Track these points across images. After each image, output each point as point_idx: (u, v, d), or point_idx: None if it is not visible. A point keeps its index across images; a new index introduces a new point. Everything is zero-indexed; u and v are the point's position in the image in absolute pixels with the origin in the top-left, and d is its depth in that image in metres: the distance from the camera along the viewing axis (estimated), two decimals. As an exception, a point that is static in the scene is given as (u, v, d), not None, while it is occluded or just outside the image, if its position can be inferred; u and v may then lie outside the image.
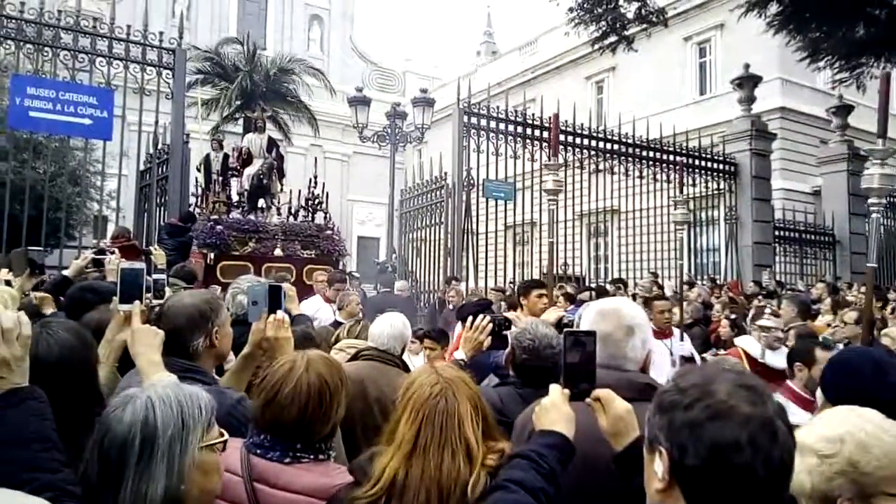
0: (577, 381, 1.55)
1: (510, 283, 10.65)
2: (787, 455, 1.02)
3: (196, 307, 2.13)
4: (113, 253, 4.41)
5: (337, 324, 4.76)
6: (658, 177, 11.89)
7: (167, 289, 3.03)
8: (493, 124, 10.00)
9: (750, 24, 12.11)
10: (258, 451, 1.74)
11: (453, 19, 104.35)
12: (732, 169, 13.00)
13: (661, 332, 5.30)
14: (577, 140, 10.91)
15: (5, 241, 7.21)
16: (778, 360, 4.45)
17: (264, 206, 9.84)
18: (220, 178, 9.84)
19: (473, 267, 9.90)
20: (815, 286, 10.50)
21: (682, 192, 6.64)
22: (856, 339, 4.77)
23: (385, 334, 3.06)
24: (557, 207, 5.09)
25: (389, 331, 3.07)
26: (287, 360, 1.83)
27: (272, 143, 10.34)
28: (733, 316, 6.75)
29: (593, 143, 11.18)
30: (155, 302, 2.34)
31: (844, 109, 14.75)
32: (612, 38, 11.82)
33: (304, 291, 7.59)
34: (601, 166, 11.23)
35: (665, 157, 12.00)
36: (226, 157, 10.15)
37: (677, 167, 11.88)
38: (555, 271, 10.48)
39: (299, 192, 10.22)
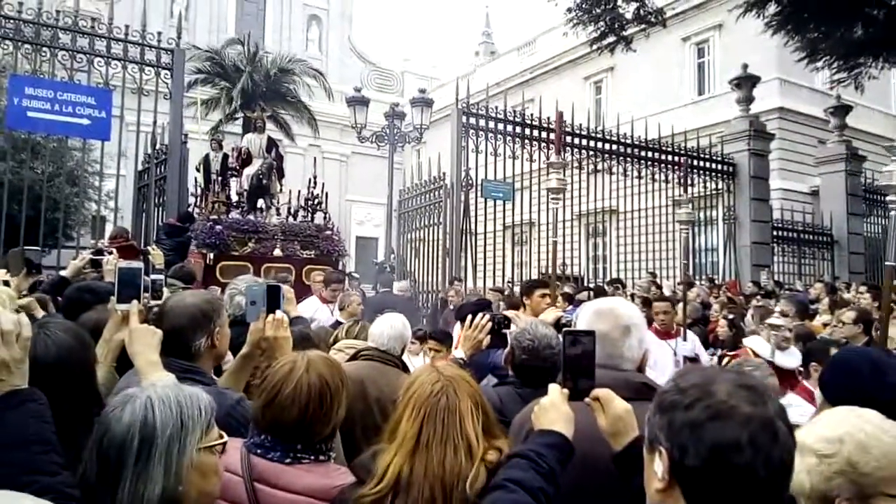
0: (576, 380, 1.56)
1: (508, 283, 10.65)
2: (788, 455, 1.02)
3: (198, 307, 2.12)
4: (111, 253, 4.40)
5: (337, 324, 4.76)
6: (656, 177, 11.90)
7: (165, 289, 3.03)
8: (491, 124, 10.00)
9: (748, 25, 12.12)
10: (258, 452, 1.74)
11: (452, 20, 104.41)
12: (731, 169, 13.01)
13: (665, 333, 5.29)
14: (576, 140, 10.92)
15: (3, 242, 7.20)
16: (787, 360, 4.43)
17: (264, 206, 9.82)
18: (220, 179, 9.82)
19: (472, 267, 9.90)
20: (813, 286, 10.51)
21: (686, 191, 6.61)
22: (854, 339, 4.77)
23: (385, 335, 3.06)
24: (570, 205, 5.08)
25: (389, 331, 3.07)
26: (287, 361, 1.83)
27: (272, 144, 10.32)
28: (731, 316, 6.76)
29: (592, 143, 11.18)
30: (153, 303, 2.34)
31: (842, 110, 14.78)
32: (611, 39, 11.82)
33: (304, 292, 7.57)
34: (600, 166, 11.24)
35: (663, 157, 12.01)
36: (225, 157, 10.13)
37: (680, 166, 11.92)
38: (557, 271, 10.51)
39: (298, 192, 10.20)
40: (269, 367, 2.18)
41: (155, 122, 8.76)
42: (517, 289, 9.51)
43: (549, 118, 10.54)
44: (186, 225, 8.26)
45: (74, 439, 1.52)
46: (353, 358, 3.06)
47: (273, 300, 2.27)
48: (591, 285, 10.37)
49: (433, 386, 1.57)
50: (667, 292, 9.53)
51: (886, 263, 3.80)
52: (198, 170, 10.09)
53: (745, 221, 12.95)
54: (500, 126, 10.11)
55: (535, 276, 11.28)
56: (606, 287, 9.23)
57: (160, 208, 9.10)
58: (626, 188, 11.58)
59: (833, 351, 3.51)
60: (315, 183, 10.18)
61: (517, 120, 10.32)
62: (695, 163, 12.29)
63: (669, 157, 12.07)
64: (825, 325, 6.36)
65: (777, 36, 11.40)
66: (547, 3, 11.62)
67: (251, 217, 9.48)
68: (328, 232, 9.93)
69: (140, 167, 9.57)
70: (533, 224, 10.85)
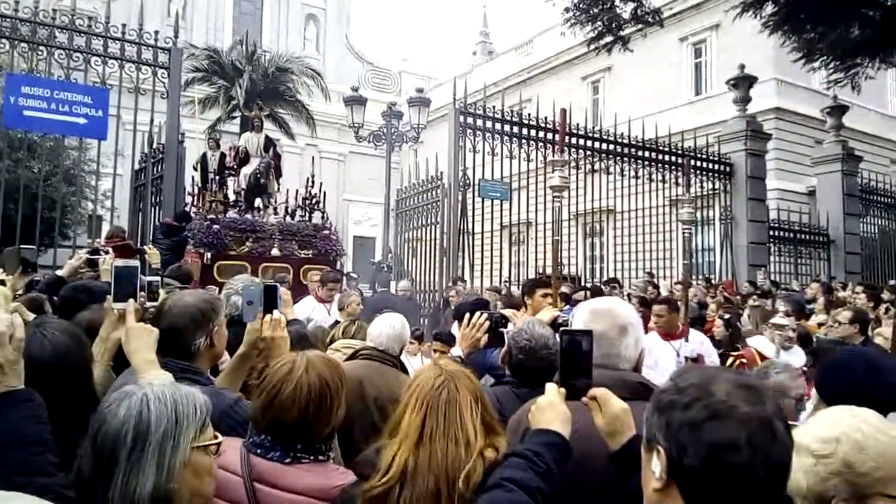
0: (573, 379, 1.56)
1: (505, 282, 10.65)
2: (786, 455, 1.02)
3: (197, 307, 2.12)
4: (107, 253, 4.39)
5: (336, 324, 4.74)
6: (654, 177, 11.92)
7: (161, 290, 3.02)
8: (489, 124, 10.00)
9: (745, 25, 12.15)
10: (258, 452, 1.74)
11: (449, 19, 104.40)
12: (727, 169, 13.03)
13: (668, 334, 5.29)
14: (573, 140, 10.92)
15: (-1, 241, 7.19)
16: (791, 359, 4.41)
17: (261, 205, 9.81)
18: (217, 178, 9.80)
19: (469, 267, 9.90)
20: (809, 286, 10.53)
21: (688, 190, 6.58)
22: (850, 339, 4.78)
23: (384, 334, 3.06)
24: (567, 204, 5.07)
25: (389, 331, 3.07)
26: (287, 361, 1.83)
27: (269, 143, 10.31)
28: (727, 316, 6.76)
29: (589, 143, 11.19)
30: (149, 304, 2.33)
31: (839, 110, 14.82)
32: (608, 39, 11.83)
33: (302, 291, 7.57)
34: (597, 166, 11.25)
35: (661, 157, 12.02)
36: (223, 156, 10.13)
37: (679, 167, 11.94)
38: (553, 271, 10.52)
39: (296, 191, 10.20)
40: (267, 368, 2.19)
41: (152, 122, 8.74)
42: (514, 289, 9.52)
43: (546, 118, 10.56)
44: (183, 224, 8.24)
45: (71, 439, 1.52)
46: (352, 357, 3.06)
47: (270, 300, 2.27)
48: (588, 285, 10.37)
49: (435, 380, 1.59)
50: (664, 292, 9.54)
51: None
52: (195, 169, 10.08)
53: (741, 221, 12.97)
54: (498, 126, 10.11)
55: (532, 276, 11.29)
56: (603, 287, 9.24)
57: (157, 208, 9.08)
58: (623, 188, 11.60)
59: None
60: (313, 182, 10.17)
61: (514, 120, 10.33)
62: (692, 163, 12.31)
63: (666, 158, 12.08)
64: (820, 324, 6.36)
65: (774, 36, 11.42)
66: (544, 3, 11.63)
67: (249, 216, 9.47)
68: (326, 231, 9.92)
69: (137, 166, 9.55)
70: (530, 224, 10.85)
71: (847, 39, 10.69)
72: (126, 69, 8.31)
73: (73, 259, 4.24)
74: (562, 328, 1.79)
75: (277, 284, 2.39)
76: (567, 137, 10.80)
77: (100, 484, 1.24)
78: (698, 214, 12.82)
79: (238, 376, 2.32)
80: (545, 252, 10.70)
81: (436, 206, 10.34)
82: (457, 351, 2.82)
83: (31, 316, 3.08)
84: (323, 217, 10.16)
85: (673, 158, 12.15)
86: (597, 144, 11.28)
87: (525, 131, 10.39)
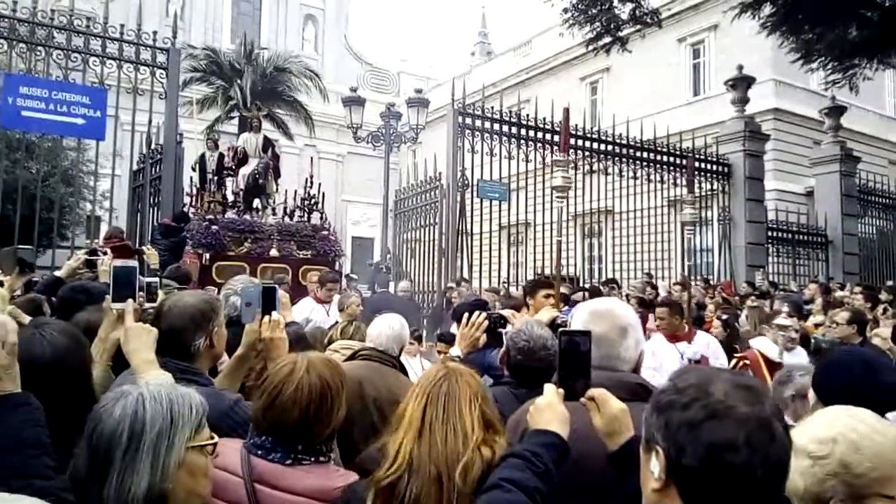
0: (571, 380, 1.56)
1: (504, 283, 10.66)
2: (785, 455, 1.02)
3: (197, 307, 2.12)
4: (105, 253, 4.39)
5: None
6: (652, 178, 11.93)
7: (160, 291, 3.01)
8: (487, 125, 10.01)
9: (743, 26, 12.17)
10: (259, 453, 1.74)
11: (448, 20, 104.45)
12: (726, 170, 13.05)
13: (675, 336, 5.28)
14: (572, 141, 10.92)
15: (-3, 241, 7.18)
16: (795, 360, 4.37)
17: (260, 206, 9.80)
18: (216, 178, 9.80)
19: (468, 267, 9.90)
20: (807, 287, 10.54)
21: (691, 191, 6.56)
22: (848, 340, 4.78)
23: (383, 335, 3.05)
24: (567, 205, 5.05)
25: (388, 331, 3.07)
26: (287, 362, 1.83)
27: (268, 143, 10.31)
28: (725, 317, 6.76)
29: (588, 143, 11.20)
30: (147, 305, 2.33)
31: (837, 111, 14.84)
32: (607, 39, 11.84)
33: (301, 292, 7.56)
34: (595, 167, 11.26)
35: (659, 157, 12.04)
36: (221, 156, 10.12)
37: (679, 167, 11.95)
38: (552, 271, 10.52)
39: (295, 192, 10.19)
40: (266, 369, 2.19)
41: (150, 122, 8.74)
42: (513, 289, 9.52)
43: (545, 119, 10.56)
44: (181, 225, 8.24)
45: (70, 440, 1.52)
46: (351, 358, 3.06)
47: (269, 301, 2.26)
48: (587, 286, 10.38)
49: (437, 374, 1.65)
50: (662, 293, 9.54)
51: None
52: (193, 169, 10.08)
53: (740, 222, 12.99)
54: (497, 126, 10.11)
55: (530, 277, 11.29)
56: (602, 287, 9.25)
57: (155, 208, 9.08)
58: (621, 189, 11.61)
59: None
60: (311, 183, 10.17)
61: (513, 120, 10.33)
62: (683, 163, 12.32)
63: (665, 158, 12.10)
64: (817, 325, 6.36)
65: (772, 37, 11.45)
66: (543, 4, 11.63)
67: (247, 217, 9.47)
68: (325, 232, 9.92)
69: (135, 167, 9.54)
70: (529, 224, 10.86)
71: (845, 40, 10.71)
72: (124, 69, 8.30)
73: (71, 260, 4.23)
74: (560, 329, 1.79)
75: (276, 286, 2.39)
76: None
77: (95, 483, 1.25)
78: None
79: (236, 377, 2.31)
80: (544, 252, 10.71)
81: (434, 207, 10.34)
82: (455, 351, 2.81)
83: (26, 318, 3.08)
84: (321, 218, 10.16)
85: (671, 159, 12.16)
86: (595, 145, 11.28)
87: (524, 132, 10.39)
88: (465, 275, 9.77)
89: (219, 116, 19.86)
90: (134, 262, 2.32)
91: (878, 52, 10.94)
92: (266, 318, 2.23)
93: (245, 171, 9.79)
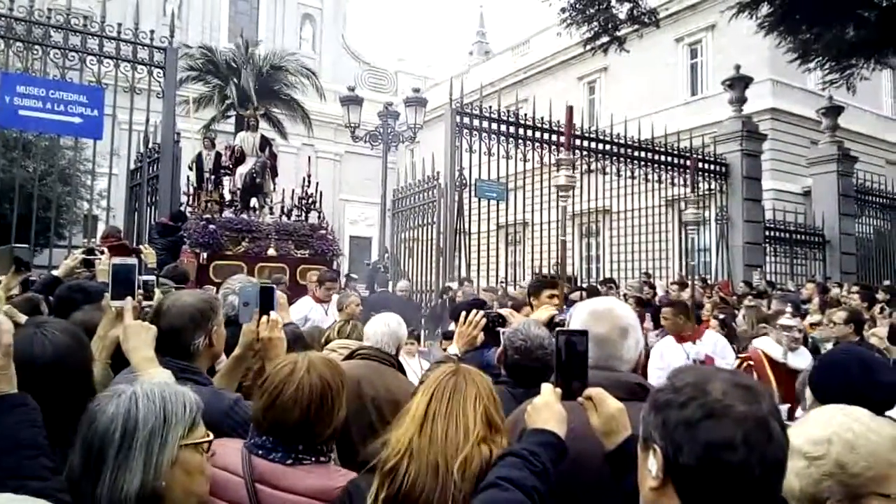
0: (569, 380, 1.56)
1: (501, 283, 10.66)
2: (782, 454, 1.02)
3: (196, 307, 2.12)
4: (103, 253, 4.38)
5: (336, 324, 4.73)
6: (650, 177, 11.94)
7: (156, 289, 3.00)
8: (485, 124, 10.01)
9: (741, 26, 12.18)
10: (260, 453, 1.74)
11: (446, 19, 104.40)
12: (723, 169, 13.06)
13: (681, 337, 5.29)
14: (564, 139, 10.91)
15: (-6, 241, 7.16)
16: (799, 361, 4.35)
17: (257, 205, 9.78)
18: (213, 177, 9.78)
19: (465, 267, 9.90)
20: (805, 286, 10.56)
21: (693, 190, 6.54)
22: (844, 339, 4.77)
23: (380, 333, 3.05)
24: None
25: (384, 329, 3.07)
26: (288, 362, 1.83)
27: (265, 142, 10.28)
28: (721, 316, 6.76)
29: (585, 143, 11.20)
30: (144, 303, 2.32)
31: (834, 111, 14.86)
32: (604, 39, 11.85)
33: (299, 291, 7.55)
34: (593, 166, 11.26)
35: (657, 157, 12.05)
36: (218, 155, 10.09)
37: (676, 167, 11.96)
38: (550, 271, 10.53)
39: (292, 191, 10.17)
40: (263, 369, 2.18)
41: (147, 121, 8.72)
42: (511, 289, 9.53)
43: (542, 118, 10.57)
44: (179, 224, 8.22)
45: (70, 440, 1.52)
46: (349, 357, 3.05)
47: (267, 301, 2.26)
48: (584, 285, 10.39)
49: (446, 370, 1.68)
50: (660, 292, 9.56)
51: None
52: (190, 168, 10.06)
53: (737, 222, 13.01)
54: (494, 126, 10.12)
55: (528, 276, 11.30)
56: (599, 287, 9.26)
57: (152, 207, 9.07)
58: (619, 188, 11.62)
59: None
60: (309, 182, 10.15)
61: (511, 120, 10.34)
62: (687, 163, 12.33)
63: (663, 158, 12.11)
64: (813, 325, 6.36)
65: (769, 37, 11.46)
66: (541, 4, 11.64)
67: (245, 216, 9.44)
68: (322, 231, 9.89)
69: (132, 166, 9.53)
70: (527, 224, 10.86)
71: (842, 40, 10.73)
72: (121, 68, 8.30)
73: (68, 259, 4.23)
74: (557, 328, 1.79)
75: (274, 286, 2.39)
76: (563, 137, 10.82)
77: (89, 482, 1.25)
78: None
79: (234, 377, 2.31)
80: (542, 252, 10.72)
81: (432, 206, 10.34)
82: (453, 349, 2.81)
83: (22, 317, 3.07)
84: (319, 217, 10.14)
85: (669, 159, 12.18)
86: (593, 145, 11.29)
87: (521, 131, 10.39)
88: (464, 274, 9.77)
89: (215, 115, 19.84)
90: (133, 260, 2.32)
91: (875, 52, 10.96)
92: (264, 317, 2.23)
93: (242, 170, 9.76)
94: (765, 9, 10.74)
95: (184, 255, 8.20)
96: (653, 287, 9.62)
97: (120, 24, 8.37)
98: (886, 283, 11.87)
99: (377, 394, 2.76)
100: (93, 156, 8.76)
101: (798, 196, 17.64)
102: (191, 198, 9.70)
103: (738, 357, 5.12)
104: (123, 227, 9.01)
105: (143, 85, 8.41)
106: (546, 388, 1.57)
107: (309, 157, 17.31)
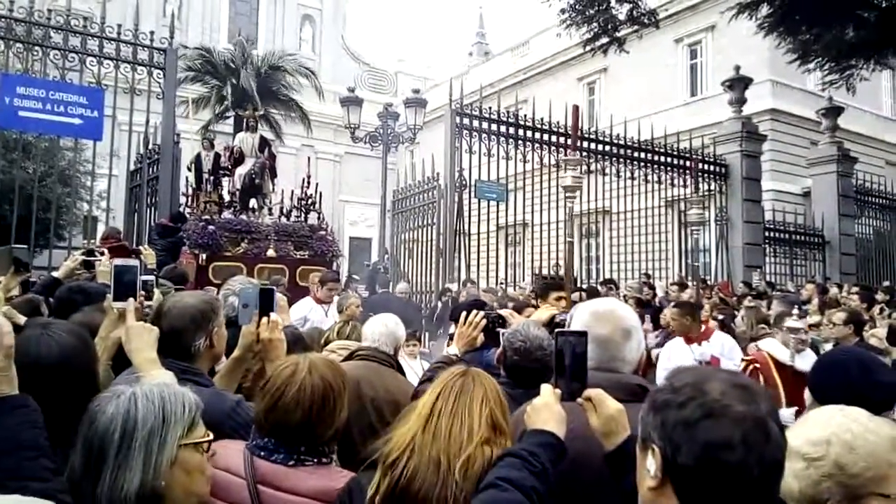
0: (568, 381, 1.56)
1: (501, 284, 10.67)
2: (780, 454, 1.03)
3: (197, 308, 2.12)
4: (103, 254, 4.38)
5: (337, 326, 4.71)
6: (649, 178, 11.94)
7: (156, 290, 3.00)
8: (485, 125, 10.01)
9: (741, 26, 12.18)
10: (262, 454, 1.74)
11: (446, 20, 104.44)
12: (723, 170, 13.07)
13: (689, 338, 5.28)
14: (569, 141, 10.93)
15: (-6, 242, 7.16)
16: (805, 363, 4.28)
17: (256, 206, 9.78)
18: (212, 178, 9.77)
19: (465, 268, 9.90)
20: (804, 287, 10.56)
21: (697, 191, 6.50)
22: (844, 340, 4.77)
23: (377, 333, 3.06)
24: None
25: (383, 330, 3.07)
26: (289, 363, 1.83)
27: (264, 143, 10.28)
28: (721, 317, 6.76)
29: (585, 144, 11.20)
30: (146, 303, 2.33)
31: (834, 111, 14.86)
32: (604, 40, 11.86)
33: (297, 293, 7.54)
34: (593, 167, 11.27)
35: (656, 158, 12.05)
36: (217, 156, 10.09)
37: (676, 168, 11.96)
38: (550, 272, 10.54)
39: (292, 192, 10.17)
40: (263, 370, 2.18)
41: (147, 122, 8.72)
42: (510, 290, 9.53)
43: (542, 119, 10.57)
44: (178, 225, 8.22)
45: (76, 440, 1.52)
46: (349, 358, 3.06)
47: (266, 303, 2.26)
48: (584, 286, 10.39)
49: (456, 371, 1.70)
50: (660, 293, 9.56)
51: None
52: (189, 169, 10.06)
53: (737, 222, 13.01)
54: (494, 127, 10.12)
55: (528, 277, 11.31)
56: (599, 287, 9.26)
57: (152, 208, 9.06)
58: (619, 189, 11.62)
59: None
60: (308, 183, 10.15)
61: (511, 121, 10.34)
62: (687, 164, 12.35)
63: (662, 159, 12.11)
64: (811, 326, 6.34)
65: (769, 38, 11.46)
66: (541, 4, 11.64)
67: (244, 217, 9.43)
68: (322, 232, 9.89)
69: (132, 167, 9.53)
70: (526, 225, 10.86)
71: (842, 41, 10.74)
72: (121, 70, 8.30)
73: (68, 260, 4.22)
74: (557, 330, 1.79)
75: (273, 287, 2.39)
76: (564, 138, 10.82)
77: (89, 482, 1.25)
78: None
79: (233, 379, 2.31)
80: (541, 253, 10.72)
81: (432, 207, 10.33)
82: (453, 349, 2.81)
83: (21, 319, 3.07)
84: (319, 218, 10.13)
85: (669, 160, 12.18)
86: (593, 145, 11.29)
87: (521, 132, 10.40)
88: (464, 275, 9.77)
89: (214, 116, 19.83)
90: (135, 262, 2.32)
91: (874, 52, 10.96)
92: (264, 319, 2.23)
93: (241, 170, 9.76)
94: (764, 9, 10.74)
95: (183, 257, 8.20)
96: (652, 288, 9.62)
97: (120, 26, 8.37)
98: (886, 283, 11.88)
99: (376, 394, 2.76)
100: (93, 157, 8.76)
101: (798, 197, 17.64)
102: (190, 199, 9.69)
103: (743, 359, 5.07)
104: (123, 228, 9.01)
105: (142, 86, 8.41)
106: (545, 388, 1.57)
107: (308, 158, 17.32)
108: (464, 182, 9.90)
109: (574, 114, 4.59)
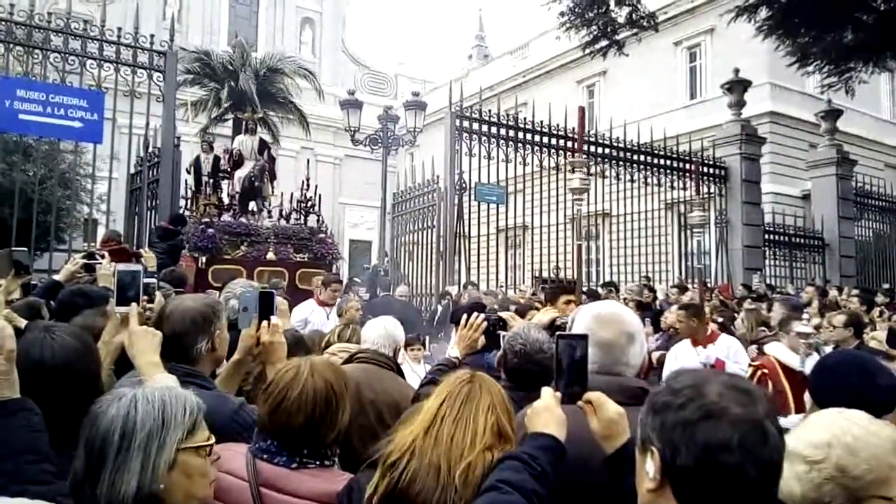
0: (568, 384, 1.56)
1: (501, 286, 10.67)
2: (778, 456, 1.03)
3: (199, 311, 2.12)
4: (103, 257, 4.38)
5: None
6: (649, 181, 11.95)
7: (157, 292, 3.00)
8: (485, 128, 10.02)
9: (740, 29, 12.20)
10: (264, 457, 1.74)
11: (445, 23, 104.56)
12: (722, 173, 13.08)
13: (695, 340, 5.28)
14: (569, 144, 10.95)
15: (-6, 245, 7.15)
16: (811, 366, 4.26)
17: (255, 209, 9.78)
18: (211, 181, 9.77)
19: (465, 270, 9.90)
20: (804, 290, 10.56)
21: (699, 193, 6.47)
22: (844, 343, 4.75)
23: (376, 336, 3.06)
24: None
25: (381, 332, 3.07)
26: (291, 366, 1.83)
27: (263, 145, 10.29)
28: (720, 319, 6.75)
29: (585, 146, 11.21)
30: (147, 306, 2.33)
31: (833, 114, 14.87)
32: (604, 43, 11.87)
33: (298, 295, 7.53)
34: (592, 170, 11.27)
35: (656, 160, 12.07)
36: (216, 158, 10.09)
37: (677, 170, 11.96)
38: (550, 275, 10.54)
39: (291, 194, 10.17)
40: (263, 373, 2.18)
41: (147, 125, 8.73)
42: (511, 292, 9.53)
43: (542, 122, 10.59)
44: (178, 228, 8.22)
45: (76, 444, 1.52)
46: (348, 361, 3.06)
47: (266, 306, 2.26)
48: (585, 289, 10.39)
49: (463, 377, 1.68)
50: (660, 296, 9.55)
51: None
52: (188, 172, 10.06)
53: (736, 225, 13.02)
54: (494, 129, 10.13)
55: (528, 280, 11.30)
56: (600, 290, 9.26)
57: (153, 211, 9.06)
58: (618, 192, 11.63)
59: None
60: (308, 185, 10.15)
61: (510, 123, 10.35)
62: (687, 166, 12.36)
63: (662, 161, 12.12)
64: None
65: (768, 40, 11.47)
66: (540, 8, 11.66)
67: (243, 220, 9.43)
68: (322, 235, 9.88)
69: (132, 170, 9.53)
70: (526, 227, 10.87)
71: (841, 44, 10.75)
72: (121, 73, 8.30)
73: (69, 263, 4.22)
74: (557, 332, 1.79)
75: (273, 291, 2.39)
76: (562, 141, 10.84)
77: (90, 484, 1.25)
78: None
79: (233, 382, 2.32)
80: (541, 255, 10.72)
81: (432, 210, 10.34)
82: (454, 352, 2.81)
83: (22, 322, 3.07)
84: (318, 220, 10.13)
85: (669, 162, 12.19)
86: (592, 148, 11.30)
87: (521, 135, 10.41)
88: (464, 277, 9.77)
89: (213, 118, 19.81)
90: (138, 266, 2.32)
91: (873, 55, 10.98)
92: (264, 322, 2.23)
93: (241, 173, 9.76)
94: (763, 13, 10.76)
95: (183, 260, 8.19)
96: (653, 290, 9.62)
97: (120, 28, 8.38)
98: (886, 286, 11.88)
99: (376, 397, 2.76)
100: (93, 160, 8.76)
101: (797, 199, 17.65)
102: (189, 201, 9.69)
103: (750, 364, 5.02)
104: (123, 231, 9.00)
105: (143, 89, 8.42)
106: (546, 391, 1.57)
107: (308, 161, 17.33)
108: (464, 185, 9.92)
109: (580, 115, 4.58)
